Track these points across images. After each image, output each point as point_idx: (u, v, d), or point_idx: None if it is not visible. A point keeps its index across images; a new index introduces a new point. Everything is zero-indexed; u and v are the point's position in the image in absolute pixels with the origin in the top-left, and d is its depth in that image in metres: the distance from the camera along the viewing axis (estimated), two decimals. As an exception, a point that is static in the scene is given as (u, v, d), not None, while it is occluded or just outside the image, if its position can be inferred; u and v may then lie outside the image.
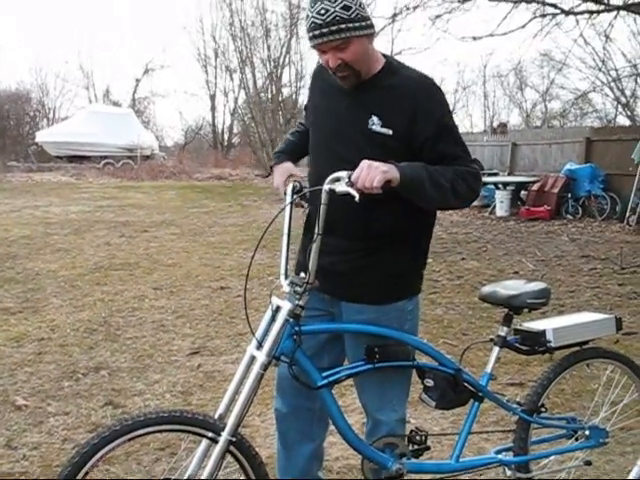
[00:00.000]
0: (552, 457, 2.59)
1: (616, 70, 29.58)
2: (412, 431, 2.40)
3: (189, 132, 39.41)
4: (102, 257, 8.58)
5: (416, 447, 2.37)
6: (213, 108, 37.55)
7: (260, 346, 2.16)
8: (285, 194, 2.38)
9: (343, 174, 2.00)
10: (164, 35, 70.56)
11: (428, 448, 2.41)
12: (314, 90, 2.42)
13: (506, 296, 2.40)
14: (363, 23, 2.08)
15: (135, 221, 12.34)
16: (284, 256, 2.27)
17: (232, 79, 34.65)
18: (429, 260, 8.57)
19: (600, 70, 28.91)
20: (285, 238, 2.28)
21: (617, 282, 7.29)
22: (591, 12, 10.29)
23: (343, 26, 2.04)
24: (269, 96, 28.51)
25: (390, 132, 2.14)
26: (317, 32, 2.07)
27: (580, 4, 10.89)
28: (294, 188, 2.35)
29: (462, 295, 6.72)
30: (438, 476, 2.43)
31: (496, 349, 2.45)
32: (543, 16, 10.23)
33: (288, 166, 2.41)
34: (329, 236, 2.16)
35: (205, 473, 2.02)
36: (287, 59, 28.37)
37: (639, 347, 4.96)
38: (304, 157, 2.53)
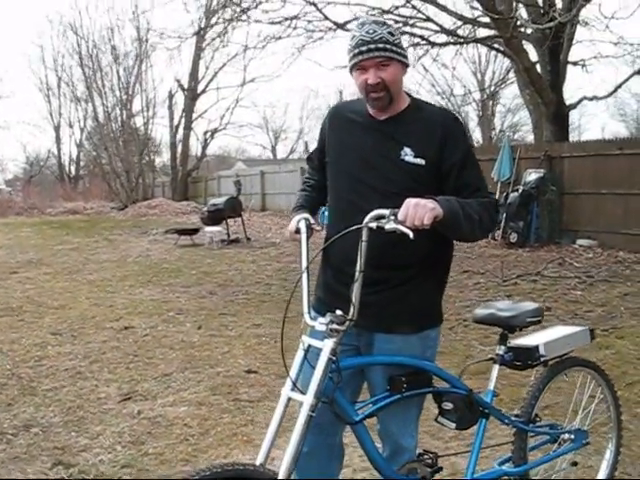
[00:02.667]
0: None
1: (453, 95, 31.79)
2: (420, 454, 2.48)
3: (34, 165, 37.31)
4: (-22, 304, 7.92)
5: (431, 469, 2.45)
6: (58, 139, 35.94)
7: (295, 387, 2.12)
8: (297, 232, 2.38)
9: (386, 212, 2.05)
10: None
11: (441, 469, 2.50)
12: (333, 128, 2.48)
13: (505, 317, 2.56)
14: (403, 52, 2.29)
15: (-1, 262, 11.50)
16: (306, 293, 2.26)
17: (77, 109, 33.33)
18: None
19: (444, 95, 30.93)
20: (305, 275, 2.27)
21: (504, 294, 7.83)
22: (454, 43, 11.10)
23: (388, 46, 2.23)
24: (120, 125, 27.72)
25: (423, 162, 2.26)
26: (364, 48, 2.22)
27: (439, 35, 11.70)
28: (306, 221, 2.38)
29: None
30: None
31: (496, 367, 2.60)
32: (415, 45, 10.87)
33: (303, 214, 2.45)
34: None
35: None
36: (137, 87, 27.79)
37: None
38: (321, 206, 2.59)
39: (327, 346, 2.09)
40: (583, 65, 14.92)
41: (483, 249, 11.63)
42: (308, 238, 2.38)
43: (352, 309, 2.09)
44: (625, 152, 11.30)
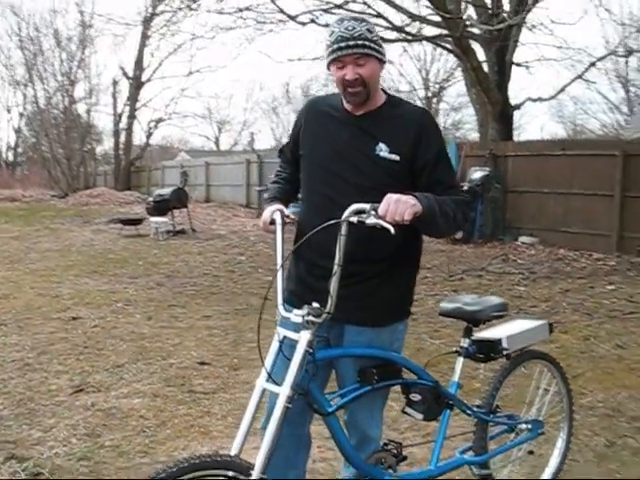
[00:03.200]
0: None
1: (399, 92, 32.11)
2: (385, 444, 2.52)
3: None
4: None
5: (397, 459, 2.50)
6: (-5, 124, 34.79)
7: (270, 378, 2.13)
8: (271, 224, 2.38)
9: (366, 206, 2.07)
10: None
11: (405, 458, 2.55)
12: (309, 121, 2.50)
13: (472, 311, 2.64)
14: (381, 49, 2.31)
15: None
16: (280, 284, 2.26)
17: (16, 93, 32.31)
18: (271, 278, 8.75)
19: (389, 91, 31.12)
20: (279, 267, 2.27)
21: (451, 288, 8.00)
22: (404, 40, 11.23)
23: (367, 42, 2.26)
24: (61, 111, 27.01)
25: (397, 158, 2.30)
26: (343, 44, 2.25)
27: (388, 31, 11.82)
28: (281, 212, 2.38)
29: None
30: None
31: (460, 359, 2.68)
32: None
33: (277, 205, 2.44)
34: (330, 260, 2.21)
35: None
36: (80, 73, 27.12)
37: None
38: (294, 197, 2.58)
39: (304, 338, 2.10)
40: (527, 67, 15.34)
41: (429, 244, 11.80)
42: (283, 229, 2.38)
43: (330, 302, 2.11)
44: (567, 153, 11.68)
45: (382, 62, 2.35)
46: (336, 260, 2.12)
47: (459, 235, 11.86)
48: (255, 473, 1.99)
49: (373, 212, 2.05)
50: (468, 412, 2.70)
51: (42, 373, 4.84)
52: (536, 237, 11.89)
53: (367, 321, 2.36)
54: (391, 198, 2.06)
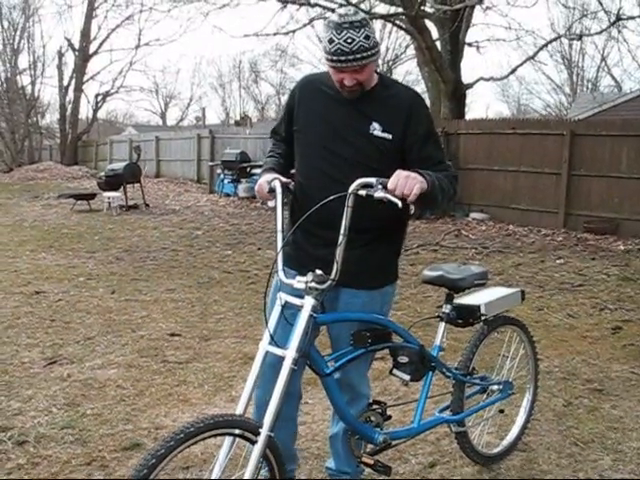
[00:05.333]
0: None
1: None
2: (370, 403, 2.68)
3: None
4: None
5: (383, 418, 2.66)
6: None
7: (272, 341, 2.23)
8: (270, 191, 2.43)
9: (372, 180, 2.18)
10: None
11: (390, 417, 2.71)
12: (304, 98, 2.59)
13: (454, 279, 2.80)
14: (377, 49, 2.36)
15: None
16: (280, 252, 2.34)
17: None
18: (229, 252, 8.82)
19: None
20: (279, 234, 2.36)
21: (408, 263, 8.21)
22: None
23: (365, 54, 2.31)
24: (4, 82, 26.14)
25: (390, 136, 2.43)
26: (343, 58, 2.30)
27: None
28: (280, 181, 2.43)
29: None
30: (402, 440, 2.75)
31: (442, 324, 2.84)
32: (318, 18, 10.98)
33: (275, 174, 2.50)
34: (328, 230, 2.34)
35: (248, 472, 2.06)
36: (23, 43, 26.26)
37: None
38: (288, 171, 2.66)
39: (308, 303, 2.21)
40: (478, 47, 15.61)
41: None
42: (283, 198, 2.44)
43: (335, 270, 2.22)
44: (517, 131, 12.01)
45: (378, 57, 2.44)
46: (342, 230, 2.22)
47: (411, 211, 12.05)
48: (264, 431, 2.10)
49: (380, 186, 2.16)
50: (448, 374, 2.86)
51: (12, 346, 4.84)
52: (486, 213, 12.22)
53: (361, 284, 2.50)
54: (401, 174, 2.17)
